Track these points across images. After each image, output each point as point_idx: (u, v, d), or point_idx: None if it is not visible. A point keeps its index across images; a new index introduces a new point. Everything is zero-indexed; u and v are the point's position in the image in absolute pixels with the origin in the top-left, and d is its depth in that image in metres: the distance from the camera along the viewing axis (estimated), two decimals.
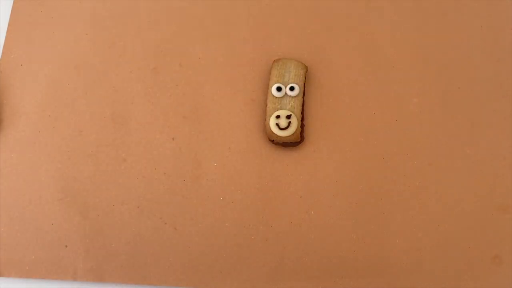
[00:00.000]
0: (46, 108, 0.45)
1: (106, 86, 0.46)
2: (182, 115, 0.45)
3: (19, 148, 0.44)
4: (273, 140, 0.43)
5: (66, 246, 0.42)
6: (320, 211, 0.42)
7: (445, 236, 0.42)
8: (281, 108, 0.43)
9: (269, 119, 0.43)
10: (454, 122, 0.44)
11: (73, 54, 0.46)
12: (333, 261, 0.41)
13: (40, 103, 0.45)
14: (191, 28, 0.47)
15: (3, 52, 0.46)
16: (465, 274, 0.41)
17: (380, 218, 0.42)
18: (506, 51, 0.46)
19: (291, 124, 0.42)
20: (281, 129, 0.42)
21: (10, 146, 0.44)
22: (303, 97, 0.43)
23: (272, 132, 0.42)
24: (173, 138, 0.44)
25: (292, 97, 0.43)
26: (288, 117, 0.42)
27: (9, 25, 0.47)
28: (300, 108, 0.43)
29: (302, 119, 0.43)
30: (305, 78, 0.44)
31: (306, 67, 0.44)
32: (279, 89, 0.43)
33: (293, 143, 0.43)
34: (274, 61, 0.44)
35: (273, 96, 0.43)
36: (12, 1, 0.48)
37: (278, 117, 0.42)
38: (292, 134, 0.42)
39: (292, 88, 0.43)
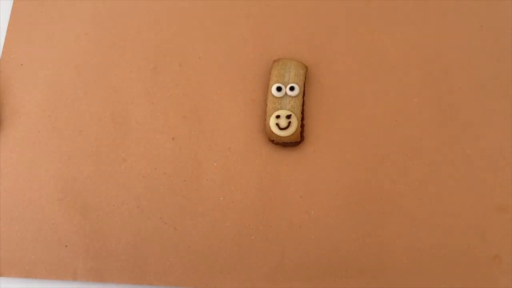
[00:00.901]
0: (46, 108, 0.45)
1: (106, 86, 0.46)
2: (182, 115, 0.45)
3: (19, 148, 0.44)
4: (273, 140, 0.43)
5: (66, 246, 0.42)
6: (320, 211, 0.42)
7: (445, 236, 0.42)
8: (281, 108, 0.43)
9: (269, 119, 0.43)
10: (454, 122, 0.44)
11: (73, 54, 0.46)
12: (333, 261, 0.41)
13: (40, 103, 0.45)
14: (191, 28, 0.47)
15: (3, 52, 0.46)
16: (465, 274, 0.41)
17: (380, 218, 0.42)
18: (506, 51, 0.46)
19: (291, 124, 0.42)
20: (281, 129, 0.42)
21: (10, 146, 0.44)
22: (303, 97, 0.43)
23: (272, 132, 0.42)
24: (173, 138, 0.44)
25: (292, 97, 0.43)
26: (288, 117, 0.42)
27: (9, 25, 0.47)
28: (300, 108, 0.43)
29: (302, 119, 0.43)
30: (305, 78, 0.44)
31: (306, 67, 0.44)
32: (279, 89, 0.43)
33: (293, 143, 0.43)
34: (274, 61, 0.44)
35: (273, 96, 0.43)
36: (12, 1, 0.48)
37: (278, 117, 0.42)
38: (292, 134, 0.42)
39: (292, 88, 0.43)
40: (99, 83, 0.46)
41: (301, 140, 0.43)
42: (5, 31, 0.47)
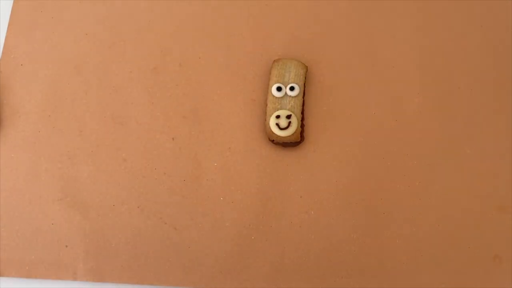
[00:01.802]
0: (46, 108, 0.45)
1: (106, 86, 0.46)
2: (182, 115, 0.45)
3: (19, 148, 0.44)
4: (273, 140, 0.43)
5: (66, 246, 0.42)
6: (320, 211, 0.42)
7: (445, 236, 0.42)
8: (281, 108, 0.43)
9: (269, 119, 0.43)
10: (454, 122, 0.44)
11: (73, 54, 0.46)
12: (333, 261, 0.41)
13: (40, 103, 0.45)
14: (191, 28, 0.47)
15: (3, 52, 0.46)
16: (465, 274, 0.41)
17: (380, 218, 0.42)
18: (506, 51, 0.46)
19: (291, 124, 0.42)
20: (281, 129, 0.42)
21: (10, 146, 0.44)
22: (303, 97, 0.43)
23: (272, 132, 0.42)
24: (173, 138, 0.44)
25: (292, 97, 0.43)
26: (288, 117, 0.42)
27: (9, 25, 0.47)
28: (300, 108, 0.43)
29: (302, 119, 0.43)
30: (305, 78, 0.44)
31: (306, 67, 0.44)
32: (279, 89, 0.43)
33: (293, 143, 0.43)
34: (274, 61, 0.44)
35: (273, 96, 0.43)
36: (12, 1, 0.48)
37: (278, 117, 0.42)
38: (292, 134, 0.42)
39: (292, 88, 0.43)
40: (99, 83, 0.46)
41: (301, 140, 0.43)
42: (5, 31, 0.47)
